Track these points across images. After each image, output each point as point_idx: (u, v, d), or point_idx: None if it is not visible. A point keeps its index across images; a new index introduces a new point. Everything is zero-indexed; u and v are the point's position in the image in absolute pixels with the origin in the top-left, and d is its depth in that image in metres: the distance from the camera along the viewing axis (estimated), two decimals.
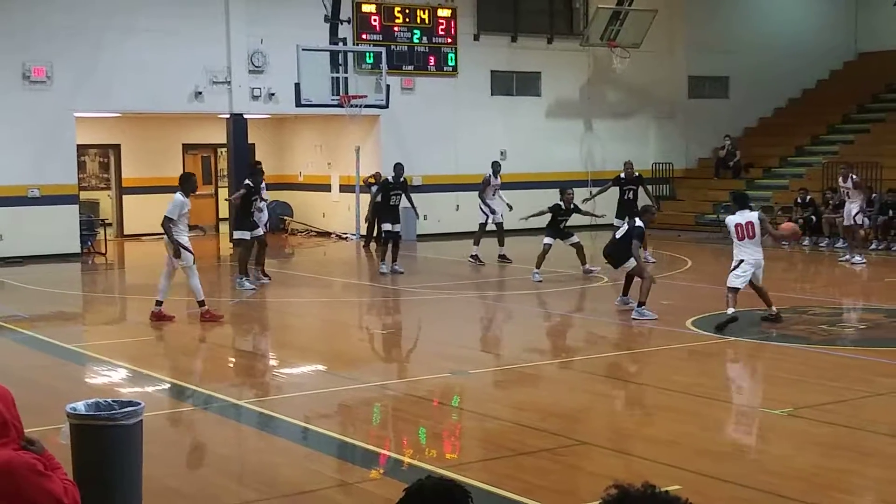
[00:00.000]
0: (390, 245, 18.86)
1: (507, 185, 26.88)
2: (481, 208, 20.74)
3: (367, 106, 21.54)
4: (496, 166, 21.17)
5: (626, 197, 20.26)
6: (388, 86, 22.09)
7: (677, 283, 17.31)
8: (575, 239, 18.03)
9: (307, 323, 15.18)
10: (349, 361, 12.12)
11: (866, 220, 21.74)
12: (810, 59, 31.15)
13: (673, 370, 11.01)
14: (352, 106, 21.00)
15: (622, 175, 20.66)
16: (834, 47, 31.88)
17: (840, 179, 21.43)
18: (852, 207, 20.48)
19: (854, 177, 21.00)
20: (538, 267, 17.46)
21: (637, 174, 20.90)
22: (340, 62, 21.35)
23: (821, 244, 22.90)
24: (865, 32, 32.32)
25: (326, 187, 27.65)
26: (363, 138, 25.78)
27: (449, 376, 10.75)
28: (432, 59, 26.27)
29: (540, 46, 27.84)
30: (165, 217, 13.69)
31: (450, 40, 26.46)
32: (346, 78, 21.32)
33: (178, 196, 13.74)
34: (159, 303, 14.03)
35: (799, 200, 24.43)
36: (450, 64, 26.51)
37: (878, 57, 30.99)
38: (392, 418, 9.50)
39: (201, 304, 13.95)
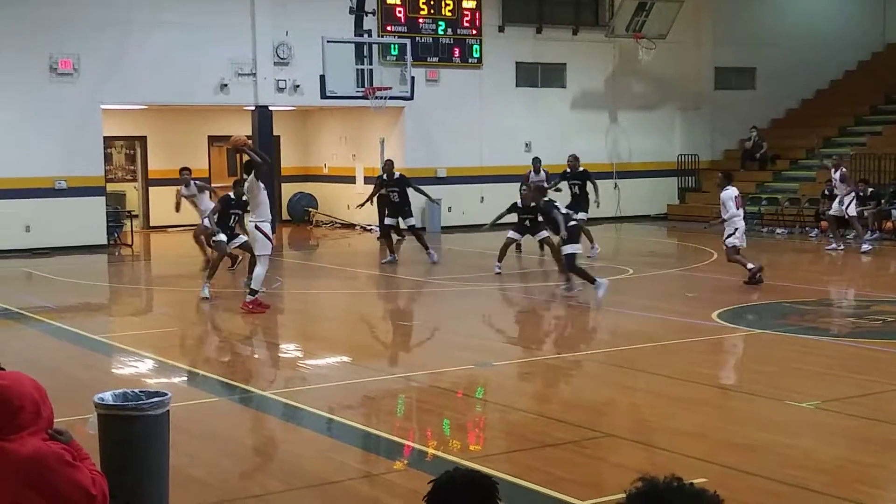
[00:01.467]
0: (413, 236, 19.56)
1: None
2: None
3: (391, 98, 21.54)
4: (536, 162, 21.02)
5: (573, 191, 20.01)
6: (412, 77, 22.08)
7: (702, 275, 17.23)
8: (543, 235, 17.59)
9: (332, 314, 15.22)
10: (374, 353, 12.14)
11: (876, 210, 21.96)
12: (838, 50, 30.89)
13: (698, 363, 10.97)
14: (376, 98, 21.02)
15: (567, 170, 20.32)
16: (862, 38, 31.58)
17: (832, 170, 21.52)
18: (843, 199, 20.82)
19: (843, 169, 21.17)
20: (500, 260, 17.45)
21: (582, 168, 20.28)
22: (365, 54, 21.36)
23: (848, 236, 22.74)
24: (894, 23, 32.01)
25: (351, 179, 27.68)
26: (388, 130, 25.80)
27: (473, 368, 10.75)
28: (457, 51, 26.24)
29: (565, 38, 27.75)
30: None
31: (475, 32, 26.41)
32: (371, 70, 21.33)
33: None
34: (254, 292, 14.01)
35: (826, 192, 24.25)
36: (475, 55, 26.48)
37: None
38: (416, 410, 9.52)
39: (253, 293, 13.95)
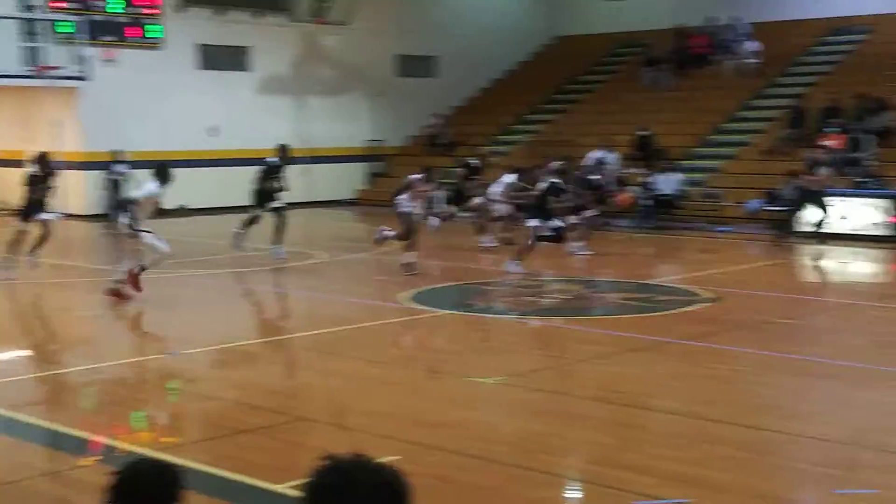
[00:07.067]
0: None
1: (220, 163, 26.51)
2: None
3: (66, 78, 20.52)
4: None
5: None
6: (88, 57, 21.10)
7: (391, 259, 17.59)
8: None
9: (8, 307, 14.32)
10: (57, 345, 11.58)
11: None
12: (513, 41, 32.32)
13: (389, 344, 11.21)
14: (47, 77, 19.93)
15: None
16: (533, 30, 33.20)
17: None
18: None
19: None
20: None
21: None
22: (37, 31, 20.21)
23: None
24: (564, 17, 33.74)
25: (22, 163, 26.10)
26: (64, 112, 24.52)
27: (165, 357, 10.46)
28: (135, 31, 25.22)
29: (248, 20, 27.43)
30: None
31: (153, 11, 25.48)
32: (42, 48, 20.20)
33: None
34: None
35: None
36: (154, 36, 25.56)
37: (576, 41, 32.58)
38: (106, 402, 9.15)
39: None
